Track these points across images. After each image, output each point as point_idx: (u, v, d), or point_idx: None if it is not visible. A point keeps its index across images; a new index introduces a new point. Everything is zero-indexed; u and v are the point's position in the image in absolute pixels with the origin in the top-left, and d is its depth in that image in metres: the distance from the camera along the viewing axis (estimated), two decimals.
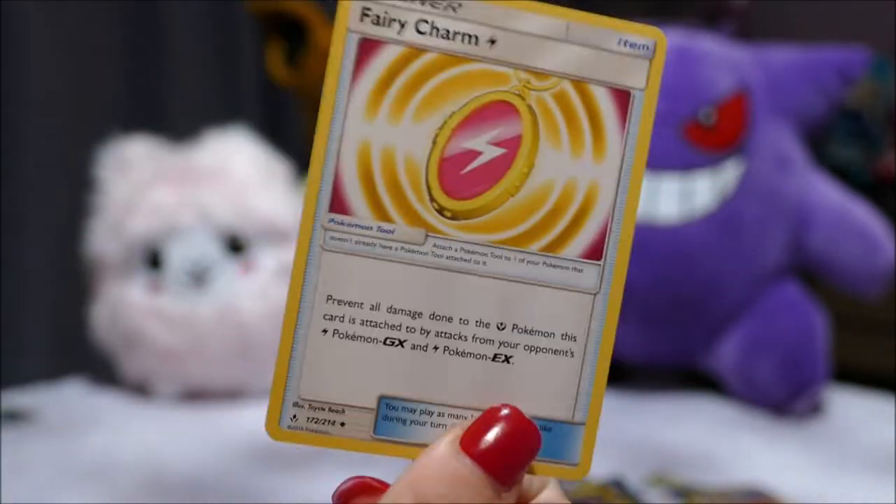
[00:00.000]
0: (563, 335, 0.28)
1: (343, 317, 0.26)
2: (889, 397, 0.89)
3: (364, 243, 0.26)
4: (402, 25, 0.24)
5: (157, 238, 0.87)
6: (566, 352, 0.28)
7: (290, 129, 1.56)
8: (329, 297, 0.26)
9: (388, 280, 0.26)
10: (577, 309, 0.28)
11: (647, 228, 0.84)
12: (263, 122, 1.53)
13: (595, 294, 0.28)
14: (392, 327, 0.27)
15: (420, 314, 0.26)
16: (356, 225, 0.26)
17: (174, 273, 0.86)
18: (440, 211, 0.26)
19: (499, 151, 0.25)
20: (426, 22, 0.25)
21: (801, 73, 0.88)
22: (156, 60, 1.39)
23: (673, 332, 0.87)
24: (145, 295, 0.86)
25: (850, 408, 0.86)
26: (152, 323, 0.86)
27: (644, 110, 0.27)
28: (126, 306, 0.87)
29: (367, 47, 0.25)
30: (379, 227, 0.26)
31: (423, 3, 0.24)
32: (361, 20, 0.24)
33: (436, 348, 0.27)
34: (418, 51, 0.24)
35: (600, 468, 0.70)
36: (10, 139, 1.23)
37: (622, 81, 0.26)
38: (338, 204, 0.26)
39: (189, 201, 0.87)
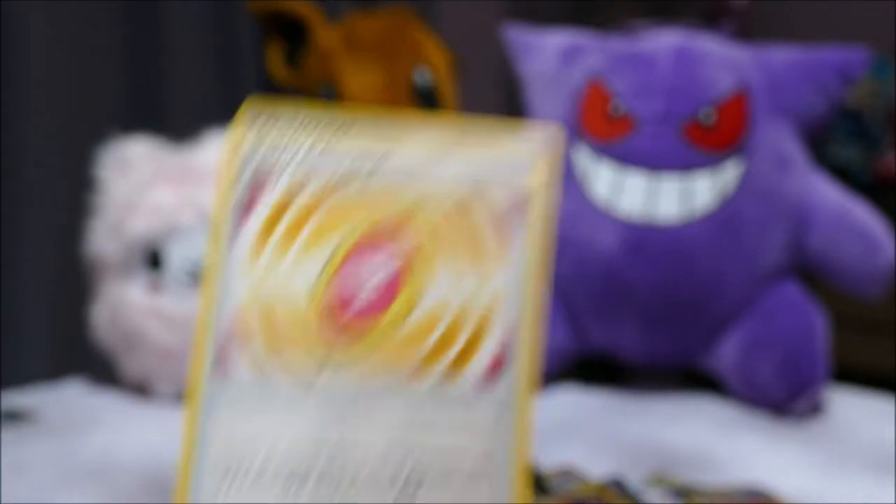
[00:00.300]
0: (469, 469, 0.25)
1: (236, 484, 0.25)
2: (889, 397, 0.89)
3: (251, 404, 0.24)
4: (293, 155, 0.23)
5: (158, 238, 0.87)
6: (475, 480, 0.26)
7: None
8: (220, 465, 0.24)
9: (277, 438, 0.24)
10: (481, 436, 0.25)
11: (647, 228, 0.84)
12: None
13: (499, 416, 0.25)
14: (284, 489, 0.24)
15: (309, 475, 0.24)
16: (239, 386, 0.24)
17: (174, 273, 0.86)
18: (326, 357, 0.24)
19: (385, 279, 0.23)
20: (314, 149, 0.23)
21: (801, 73, 0.88)
22: (156, 60, 1.39)
23: (672, 331, 0.87)
24: (145, 295, 0.86)
25: (850, 408, 0.86)
26: (152, 323, 0.86)
27: (538, 210, 0.23)
28: (126, 306, 0.87)
29: (260, 181, 0.23)
30: (263, 385, 0.24)
31: (312, 132, 0.23)
32: (255, 149, 0.23)
33: None
34: (304, 182, 0.23)
35: (600, 468, 0.70)
36: (10, 139, 1.23)
37: (515, 185, 0.23)
38: (221, 367, 0.24)
39: (189, 201, 0.87)
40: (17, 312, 1.23)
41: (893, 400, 0.88)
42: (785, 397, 0.83)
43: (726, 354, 0.86)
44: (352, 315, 0.23)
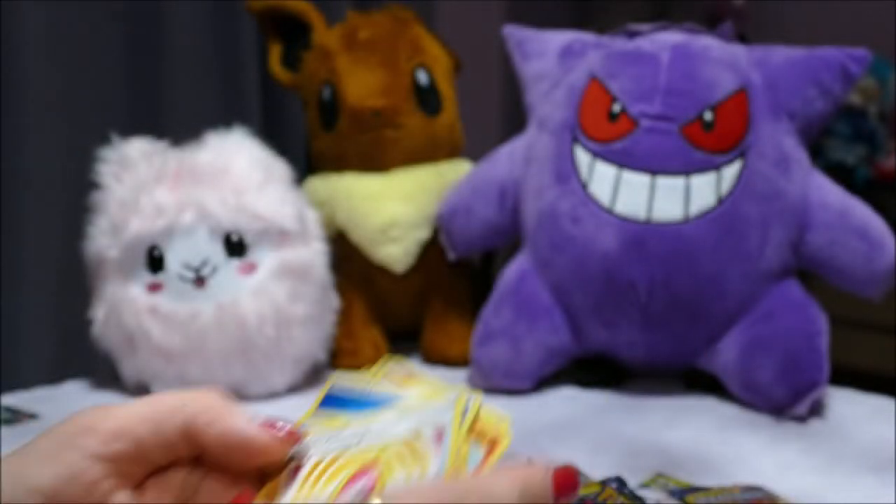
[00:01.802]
0: None
1: None
2: (889, 397, 0.89)
3: None
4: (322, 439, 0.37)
5: (158, 238, 0.87)
6: None
7: (290, 129, 1.56)
8: None
9: None
10: None
11: (647, 229, 0.84)
12: (263, 122, 1.53)
13: None
14: None
15: None
16: None
17: (174, 273, 0.86)
18: None
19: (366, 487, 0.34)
20: (332, 434, 0.37)
21: (801, 73, 0.88)
22: (156, 61, 1.39)
23: (672, 332, 0.87)
24: (145, 295, 0.86)
25: (850, 408, 0.86)
26: (152, 323, 0.86)
27: (454, 434, 0.35)
28: (126, 306, 0.87)
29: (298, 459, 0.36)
30: None
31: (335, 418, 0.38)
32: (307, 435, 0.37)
33: None
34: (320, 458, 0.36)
35: (600, 468, 0.70)
36: (10, 139, 1.23)
37: (439, 423, 0.35)
38: None
39: (189, 201, 0.87)
40: (17, 313, 1.23)
41: (893, 400, 0.88)
42: (785, 398, 0.83)
43: (726, 354, 0.86)
44: None
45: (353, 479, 0.34)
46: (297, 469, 0.35)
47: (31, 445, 0.34)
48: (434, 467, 0.33)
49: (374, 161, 1.01)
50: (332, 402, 0.39)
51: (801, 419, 0.83)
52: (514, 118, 2.49)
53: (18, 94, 1.23)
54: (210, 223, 0.87)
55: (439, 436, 0.34)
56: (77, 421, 0.35)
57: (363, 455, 0.34)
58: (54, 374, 1.06)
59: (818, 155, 2.57)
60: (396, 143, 1.01)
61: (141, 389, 0.88)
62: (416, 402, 0.37)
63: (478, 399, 0.36)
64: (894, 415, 0.84)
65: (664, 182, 0.84)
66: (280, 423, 0.36)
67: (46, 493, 0.33)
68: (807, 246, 0.87)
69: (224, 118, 1.07)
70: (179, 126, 1.27)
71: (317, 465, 0.35)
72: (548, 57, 0.95)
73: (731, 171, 0.84)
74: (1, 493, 0.33)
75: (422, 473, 0.33)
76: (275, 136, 1.44)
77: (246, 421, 0.35)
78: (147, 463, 0.35)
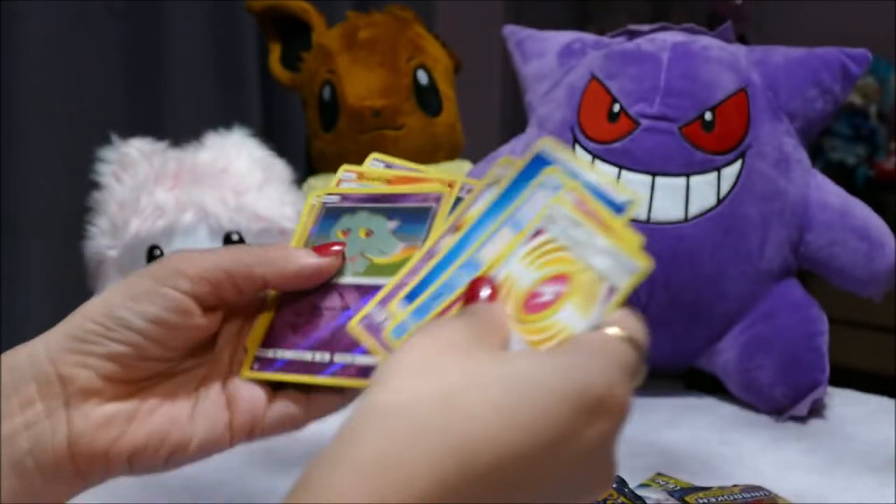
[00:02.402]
0: None
1: None
2: (889, 397, 0.89)
3: None
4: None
5: (158, 238, 0.87)
6: None
7: (290, 129, 1.56)
8: None
9: None
10: None
11: (647, 229, 0.84)
12: (263, 122, 1.53)
13: None
14: None
15: None
16: None
17: None
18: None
19: (552, 297, 0.40)
20: (563, 227, 0.42)
21: (801, 72, 0.88)
22: (156, 61, 1.39)
23: (672, 332, 0.87)
24: None
25: (850, 408, 0.86)
26: None
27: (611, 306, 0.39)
28: None
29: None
30: None
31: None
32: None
33: None
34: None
35: None
36: (11, 139, 1.23)
37: (614, 281, 0.41)
38: None
39: (189, 201, 0.87)
40: (17, 312, 1.23)
41: (893, 400, 0.88)
42: (785, 398, 0.83)
43: (726, 354, 0.86)
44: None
45: (552, 280, 0.39)
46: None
47: (126, 285, 0.43)
48: (587, 323, 0.38)
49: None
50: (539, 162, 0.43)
51: (801, 419, 0.83)
52: (514, 118, 2.49)
53: (18, 95, 1.23)
54: (210, 223, 0.87)
55: (609, 293, 0.38)
56: (168, 265, 0.43)
57: (566, 261, 0.40)
58: None
59: (818, 155, 2.58)
60: (396, 143, 1.01)
61: None
62: (607, 239, 0.40)
63: (637, 278, 0.40)
64: (894, 415, 0.84)
65: (664, 182, 0.84)
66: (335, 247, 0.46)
67: (154, 320, 0.42)
68: (807, 246, 0.87)
69: (224, 118, 1.07)
70: (179, 126, 1.28)
71: (545, 242, 0.40)
72: (548, 57, 0.95)
73: (731, 172, 0.84)
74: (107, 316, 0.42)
75: (582, 318, 0.38)
76: (275, 136, 1.44)
77: (296, 258, 0.45)
78: (222, 297, 0.44)
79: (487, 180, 0.44)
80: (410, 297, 0.42)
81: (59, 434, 0.42)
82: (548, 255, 0.40)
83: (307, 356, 0.46)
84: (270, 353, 0.46)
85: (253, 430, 0.46)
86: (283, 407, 0.46)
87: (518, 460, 0.32)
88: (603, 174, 0.42)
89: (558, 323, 0.38)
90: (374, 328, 0.43)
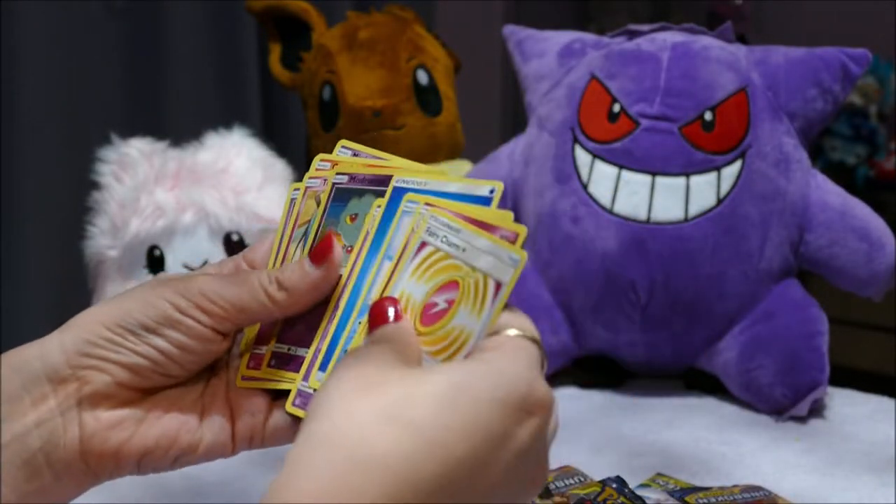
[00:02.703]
0: None
1: None
2: (889, 397, 0.89)
3: None
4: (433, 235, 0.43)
5: (158, 238, 0.87)
6: None
7: (290, 129, 1.56)
8: None
9: None
10: None
11: (647, 229, 0.84)
12: (263, 122, 1.53)
13: None
14: None
15: None
16: None
17: (175, 273, 0.86)
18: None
19: (445, 305, 0.41)
20: (443, 237, 0.43)
21: (801, 72, 0.88)
22: (156, 60, 1.39)
23: (672, 332, 0.87)
24: None
25: (850, 408, 0.86)
26: None
27: (500, 301, 0.40)
28: None
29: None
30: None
31: (438, 231, 0.43)
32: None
33: None
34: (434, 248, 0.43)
35: (600, 468, 0.70)
36: (11, 139, 1.23)
37: (498, 277, 0.40)
38: None
39: (189, 201, 0.87)
40: (17, 312, 1.23)
41: (893, 400, 0.88)
42: (785, 398, 0.83)
43: (726, 355, 0.86)
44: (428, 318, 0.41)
45: (442, 288, 0.41)
46: (422, 246, 0.43)
47: (144, 301, 0.44)
48: (482, 322, 0.39)
49: None
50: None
51: (801, 419, 0.83)
52: (514, 118, 2.49)
53: (19, 94, 1.23)
54: (210, 223, 0.87)
55: (497, 289, 0.39)
56: (189, 293, 0.44)
57: (452, 268, 0.41)
58: None
59: (818, 155, 2.58)
60: (396, 143, 1.01)
61: None
62: (485, 238, 0.41)
63: (518, 270, 0.40)
64: (894, 415, 0.84)
65: (664, 182, 0.84)
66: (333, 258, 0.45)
67: (177, 345, 0.44)
68: (807, 246, 0.87)
69: (224, 118, 1.07)
70: (179, 126, 1.28)
71: (430, 255, 0.42)
72: (548, 57, 0.95)
73: (731, 171, 0.84)
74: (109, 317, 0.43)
75: (476, 318, 0.39)
76: (275, 136, 1.44)
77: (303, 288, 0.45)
78: (239, 326, 0.46)
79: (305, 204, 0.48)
80: (323, 365, 0.45)
81: (70, 433, 0.43)
82: (434, 265, 0.42)
83: (300, 351, 0.46)
84: (263, 349, 0.47)
85: (252, 440, 0.47)
86: (281, 418, 0.47)
87: (461, 468, 0.34)
88: (458, 178, 0.44)
89: (455, 329, 0.40)
90: (307, 400, 0.45)
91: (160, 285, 0.44)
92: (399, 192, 0.46)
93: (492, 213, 0.42)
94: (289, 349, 0.47)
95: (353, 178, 0.48)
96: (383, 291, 0.44)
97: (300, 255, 0.48)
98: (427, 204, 0.44)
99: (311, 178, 0.50)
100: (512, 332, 0.39)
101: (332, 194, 0.48)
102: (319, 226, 0.48)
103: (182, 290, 0.44)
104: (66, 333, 0.43)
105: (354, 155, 0.51)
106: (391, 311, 0.41)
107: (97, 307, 0.44)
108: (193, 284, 0.44)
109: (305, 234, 0.49)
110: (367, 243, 0.46)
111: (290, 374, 0.46)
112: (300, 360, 0.46)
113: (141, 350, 0.43)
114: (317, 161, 0.51)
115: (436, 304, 0.41)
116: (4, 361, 0.43)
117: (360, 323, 0.44)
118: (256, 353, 0.47)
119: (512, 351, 0.38)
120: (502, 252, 0.40)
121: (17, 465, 0.41)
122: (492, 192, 0.43)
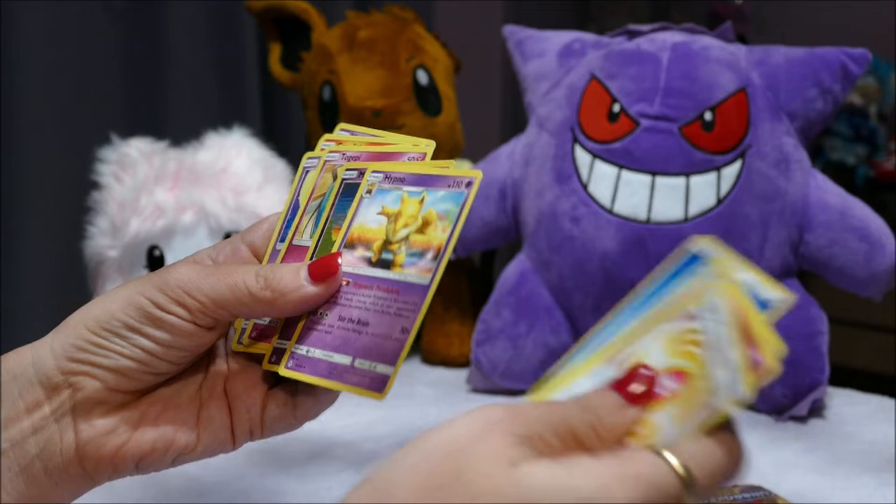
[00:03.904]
0: None
1: None
2: (889, 397, 0.89)
3: None
4: None
5: (158, 238, 0.87)
6: None
7: (290, 129, 1.56)
8: None
9: None
10: None
11: (647, 229, 0.84)
12: (263, 122, 1.53)
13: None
14: None
15: None
16: None
17: None
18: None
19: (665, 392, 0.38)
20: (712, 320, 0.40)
21: (801, 72, 0.88)
22: (156, 61, 1.39)
23: None
24: None
25: (850, 408, 0.86)
26: None
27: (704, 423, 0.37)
28: None
29: None
30: None
31: None
32: None
33: None
34: None
35: None
36: (10, 139, 1.23)
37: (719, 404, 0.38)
38: None
39: (189, 201, 0.87)
40: (17, 313, 1.23)
41: (893, 400, 0.88)
42: (785, 398, 0.83)
43: None
44: None
45: (675, 373, 0.37)
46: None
47: (126, 299, 0.43)
48: (681, 432, 0.35)
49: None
50: None
51: (801, 419, 0.83)
52: (514, 118, 2.49)
53: (18, 94, 1.23)
54: (210, 223, 0.87)
55: (707, 412, 0.36)
56: (168, 287, 0.43)
57: (695, 358, 0.37)
58: None
59: (818, 155, 2.58)
60: None
61: None
62: (739, 353, 0.37)
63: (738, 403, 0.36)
64: (894, 415, 0.84)
65: (664, 182, 0.84)
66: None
67: (160, 342, 0.43)
68: (807, 246, 0.87)
69: (224, 118, 1.07)
70: (179, 126, 1.28)
71: (689, 331, 0.38)
72: (548, 57, 0.95)
73: (730, 172, 0.84)
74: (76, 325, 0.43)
75: (676, 428, 0.35)
76: (275, 136, 1.44)
77: (296, 291, 0.44)
78: (223, 322, 0.45)
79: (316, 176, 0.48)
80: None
81: (66, 440, 0.42)
82: (686, 345, 0.38)
83: (332, 356, 0.44)
84: (304, 350, 0.45)
85: (252, 432, 0.46)
86: (275, 409, 0.46)
87: None
88: (759, 271, 0.41)
89: (653, 424, 0.36)
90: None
91: (141, 281, 0.44)
92: (694, 260, 0.44)
93: (763, 328, 0.40)
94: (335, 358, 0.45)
95: (361, 174, 0.47)
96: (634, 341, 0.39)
97: (310, 231, 0.47)
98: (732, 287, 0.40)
99: (330, 152, 0.50)
100: (670, 456, 0.34)
101: (342, 189, 0.48)
102: (327, 221, 0.47)
103: (161, 284, 0.43)
104: (55, 337, 0.43)
105: (352, 135, 0.51)
106: (638, 388, 0.36)
107: (83, 308, 0.44)
108: (172, 278, 0.43)
109: (319, 209, 0.48)
110: (642, 294, 0.43)
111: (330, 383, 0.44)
112: (342, 369, 0.44)
113: (127, 352, 0.42)
114: (322, 141, 0.51)
115: (660, 384, 0.37)
116: (3, 367, 0.43)
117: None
118: (300, 355, 0.45)
119: (636, 475, 0.33)
120: (738, 378, 0.37)
121: (16, 471, 0.41)
122: (779, 301, 0.42)
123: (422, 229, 0.43)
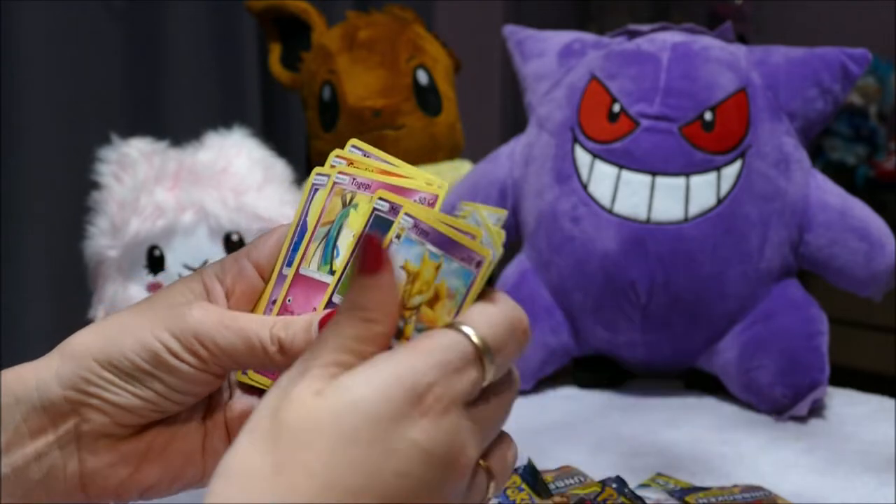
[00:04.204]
0: None
1: None
2: (889, 397, 0.89)
3: None
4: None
5: (158, 238, 0.87)
6: None
7: (290, 129, 1.56)
8: None
9: None
10: None
11: (647, 229, 0.84)
12: (263, 122, 1.53)
13: None
14: None
15: None
16: None
17: (174, 273, 0.86)
18: None
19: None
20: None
21: (801, 72, 0.88)
22: (156, 61, 1.39)
23: (672, 332, 0.87)
24: (146, 295, 0.86)
25: (850, 408, 0.86)
26: None
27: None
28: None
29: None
30: None
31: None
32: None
33: None
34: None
35: (600, 468, 0.70)
36: (10, 139, 1.23)
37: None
38: None
39: (189, 201, 0.87)
40: (17, 313, 1.23)
41: (893, 400, 0.88)
42: (785, 398, 0.83)
43: (726, 355, 0.86)
44: None
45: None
46: None
47: (136, 337, 0.42)
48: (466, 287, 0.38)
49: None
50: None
51: (801, 419, 0.83)
52: (514, 118, 2.49)
53: (19, 95, 1.23)
54: (210, 223, 0.87)
55: (478, 264, 0.39)
56: (182, 333, 0.42)
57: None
58: None
59: (818, 155, 2.58)
60: (396, 143, 1.01)
61: None
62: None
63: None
64: (894, 415, 0.84)
65: (664, 182, 0.84)
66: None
67: (173, 387, 0.42)
68: (807, 246, 0.87)
69: (224, 118, 1.07)
70: (179, 126, 1.28)
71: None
72: (548, 57, 0.95)
73: (731, 172, 0.84)
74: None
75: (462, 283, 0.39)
76: (275, 136, 1.44)
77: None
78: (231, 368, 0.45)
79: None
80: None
81: (70, 468, 0.42)
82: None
83: None
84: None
85: None
86: None
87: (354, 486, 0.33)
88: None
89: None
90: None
91: (152, 317, 0.42)
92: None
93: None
94: None
95: (393, 209, 0.45)
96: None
97: (318, 261, 0.46)
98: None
99: (339, 173, 0.48)
100: (466, 329, 0.37)
101: (371, 221, 0.45)
102: (352, 254, 0.45)
103: (175, 329, 0.42)
104: (61, 363, 0.42)
105: (365, 156, 0.49)
106: (375, 250, 0.37)
107: (90, 334, 0.42)
108: (188, 324, 0.42)
109: (328, 237, 0.46)
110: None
111: None
112: None
113: (137, 392, 0.42)
114: (332, 158, 0.49)
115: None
116: (4, 390, 0.42)
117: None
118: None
119: (430, 349, 0.36)
120: (488, 235, 0.39)
121: (18, 496, 0.41)
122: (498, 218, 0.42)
123: (431, 303, 0.40)
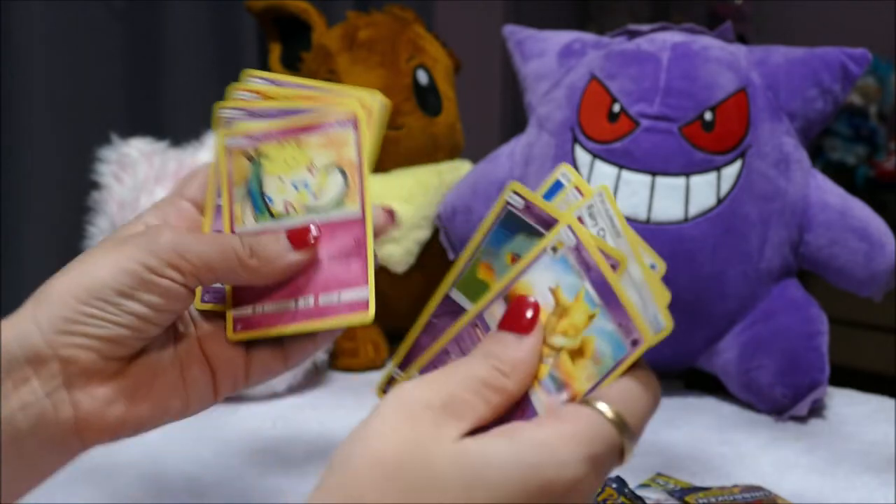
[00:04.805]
0: None
1: None
2: (889, 397, 0.89)
3: None
4: None
5: None
6: None
7: None
8: None
9: None
10: None
11: (647, 229, 0.84)
12: None
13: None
14: None
15: None
16: None
17: None
18: None
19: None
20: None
21: (801, 72, 0.88)
22: (156, 61, 1.39)
23: (673, 332, 0.86)
24: None
25: (850, 408, 0.86)
26: None
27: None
28: None
29: None
30: None
31: None
32: None
33: None
34: None
35: None
36: (11, 140, 1.23)
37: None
38: None
39: None
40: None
41: (893, 400, 0.88)
42: (785, 398, 0.83)
43: (726, 354, 0.86)
44: None
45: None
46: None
47: (114, 264, 0.43)
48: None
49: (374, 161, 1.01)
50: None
51: (801, 419, 0.83)
52: (514, 118, 2.49)
53: (19, 95, 1.23)
54: None
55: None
56: (159, 249, 0.43)
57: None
58: None
59: (818, 155, 2.58)
60: (396, 143, 1.01)
61: None
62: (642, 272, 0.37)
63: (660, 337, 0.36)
64: (894, 415, 0.84)
65: (664, 182, 0.84)
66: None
67: (156, 307, 0.44)
68: (807, 246, 0.87)
69: None
70: (179, 126, 1.28)
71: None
72: (548, 57, 0.95)
73: (730, 172, 0.84)
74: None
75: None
76: None
77: (280, 260, 0.46)
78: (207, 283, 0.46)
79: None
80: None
81: (63, 413, 0.42)
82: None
83: (290, 304, 0.46)
84: (249, 311, 0.47)
85: (236, 386, 0.48)
86: (261, 361, 0.48)
87: None
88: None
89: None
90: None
91: (125, 245, 0.44)
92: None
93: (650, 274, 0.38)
94: (296, 304, 0.47)
95: (528, 207, 0.41)
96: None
97: (250, 216, 0.48)
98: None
99: (229, 108, 0.49)
100: (602, 406, 0.36)
101: (503, 216, 0.42)
102: (476, 251, 0.42)
103: (151, 247, 0.43)
104: (38, 311, 0.42)
105: (275, 84, 0.49)
106: (529, 312, 0.37)
107: (64, 277, 0.43)
108: (163, 240, 0.43)
109: (250, 192, 0.48)
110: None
111: (296, 326, 0.46)
112: (305, 311, 0.46)
113: (120, 320, 0.43)
114: (236, 90, 0.50)
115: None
116: None
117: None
118: (245, 316, 0.47)
119: (572, 437, 0.35)
120: (652, 307, 0.37)
121: (8, 447, 0.41)
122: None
123: (574, 355, 0.37)
